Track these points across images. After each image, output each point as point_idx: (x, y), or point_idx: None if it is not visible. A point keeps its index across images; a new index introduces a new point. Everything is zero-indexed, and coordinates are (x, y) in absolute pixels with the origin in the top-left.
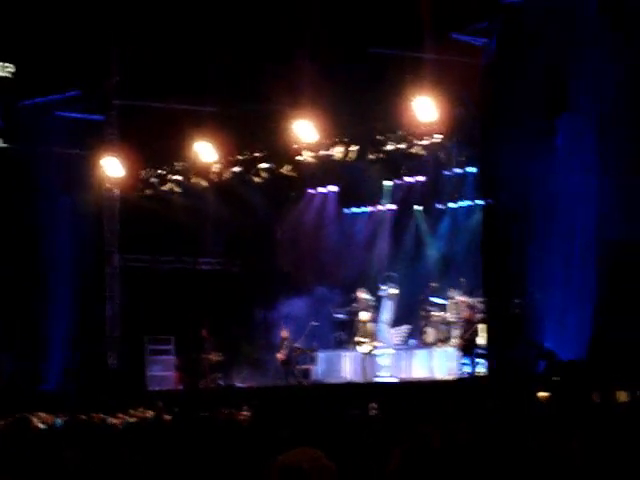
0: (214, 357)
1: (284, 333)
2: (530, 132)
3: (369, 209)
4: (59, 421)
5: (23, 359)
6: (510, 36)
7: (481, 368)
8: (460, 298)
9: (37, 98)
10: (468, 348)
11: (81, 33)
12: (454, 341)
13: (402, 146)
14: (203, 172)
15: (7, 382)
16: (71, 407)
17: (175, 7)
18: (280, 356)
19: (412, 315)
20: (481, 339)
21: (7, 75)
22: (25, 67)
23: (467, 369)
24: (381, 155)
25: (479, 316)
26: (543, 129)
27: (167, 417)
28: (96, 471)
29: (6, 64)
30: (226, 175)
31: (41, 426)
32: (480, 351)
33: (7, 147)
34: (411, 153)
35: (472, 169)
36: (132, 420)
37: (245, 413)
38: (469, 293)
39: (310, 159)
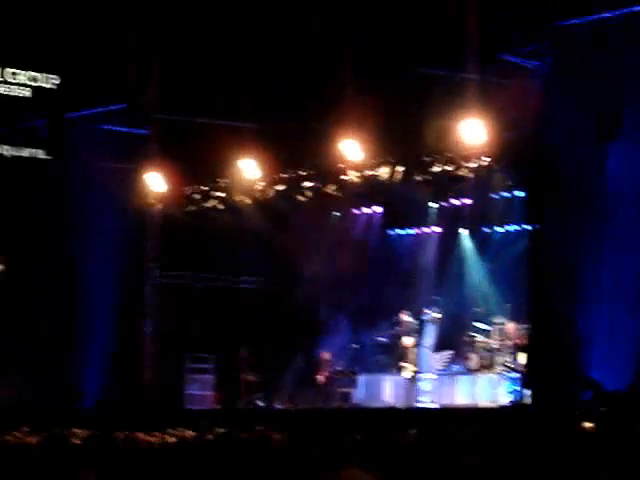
0: (251, 377)
1: (325, 355)
2: (582, 157)
3: (414, 231)
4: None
5: (61, 375)
6: (563, 59)
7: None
8: (508, 325)
9: (82, 110)
10: (523, 376)
11: (125, 46)
12: (498, 368)
13: (449, 168)
14: (247, 189)
15: (45, 398)
16: (108, 424)
17: (219, 23)
18: (321, 378)
19: (455, 340)
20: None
21: (51, 87)
22: (70, 79)
23: (512, 397)
24: (427, 177)
25: (524, 343)
26: (594, 155)
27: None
28: None
29: (51, 76)
30: (270, 193)
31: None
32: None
33: (50, 159)
34: (458, 175)
35: (520, 193)
36: (170, 439)
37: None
38: (514, 319)
39: (355, 179)
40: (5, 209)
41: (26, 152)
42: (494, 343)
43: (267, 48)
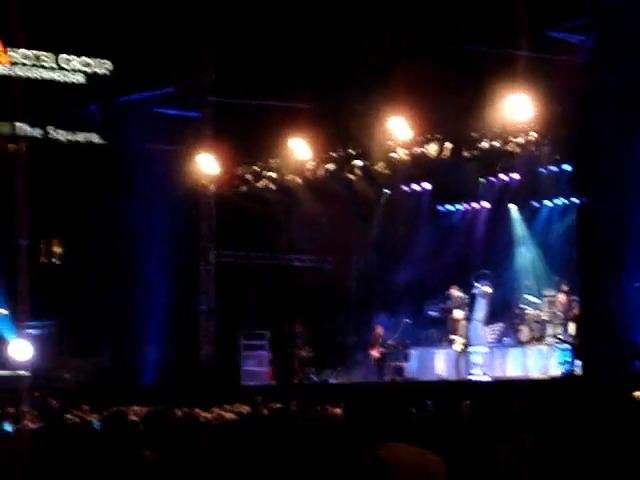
0: (305, 352)
1: (378, 330)
2: (627, 130)
3: (463, 207)
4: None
5: (120, 353)
6: (608, 34)
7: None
8: (559, 296)
9: (134, 95)
10: (574, 347)
11: (177, 30)
12: (548, 339)
13: (497, 144)
14: (297, 169)
15: (104, 376)
16: (166, 401)
17: (269, 4)
18: (374, 353)
19: (506, 313)
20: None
21: (104, 72)
22: (122, 64)
23: (563, 368)
24: (476, 152)
25: (575, 314)
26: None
27: (265, 412)
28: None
29: (103, 61)
30: (320, 172)
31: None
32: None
33: (104, 144)
34: (506, 151)
35: (568, 167)
36: (228, 415)
37: (338, 410)
38: (564, 291)
39: (404, 157)
40: (62, 193)
41: (81, 137)
42: (544, 315)
43: (316, 29)
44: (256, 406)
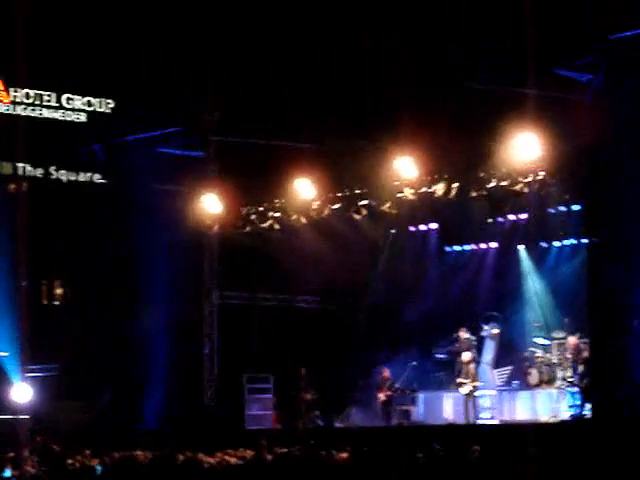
0: (310, 396)
1: (385, 373)
2: (636, 169)
3: (471, 247)
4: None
5: (122, 397)
6: (618, 71)
7: (587, 411)
8: (569, 338)
9: (137, 134)
10: (582, 390)
11: (180, 70)
12: (558, 382)
13: (505, 183)
14: (303, 209)
15: (105, 420)
16: (169, 446)
17: (272, 45)
18: (381, 396)
19: (515, 356)
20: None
21: (107, 111)
22: (125, 103)
23: (572, 411)
24: (483, 192)
25: (584, 357)
26: None
27: (268, 457)
28: None
29: (106, 100)
30: (325, 212)
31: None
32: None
33: (106, 183)
34: (514, 190)
35: (577, 207)
36: (232, 460)
37: (344, 454)
38: (574, 333)
39: (411, 196)
40: (63, 234)
41: (82, 176)
42: (554, 358)
43: (321, 68)
44: (260, 450)
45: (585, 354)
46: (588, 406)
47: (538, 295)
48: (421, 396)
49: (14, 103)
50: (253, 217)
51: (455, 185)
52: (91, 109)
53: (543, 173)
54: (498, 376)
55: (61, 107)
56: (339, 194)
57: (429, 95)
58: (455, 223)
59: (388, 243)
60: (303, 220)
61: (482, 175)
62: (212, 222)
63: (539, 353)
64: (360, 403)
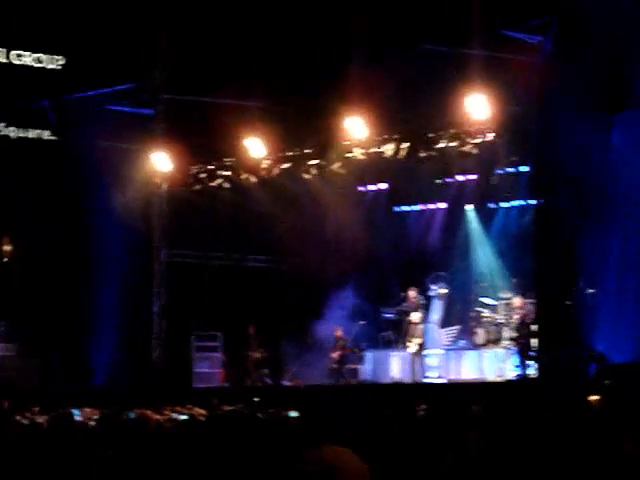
0: (258, 354)
1: (338, 332)
2: (587, 130)
3: (420, 207)
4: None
5: (70, 354)
6: (567, 33)
7: (532, 370)
8: (515, 299)
9: (87, 91)
10: (522, 350)
11: (130, 27)
12: (505, 342)
13: (454, 144)
14: (252, 168)
15: (55, 377)
16: (117, 402)
17: (222, 2)
18: (335, 355)
19: (462, 316)
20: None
21: (57, 67)
22: (75, 60)
23: (518, 371)
24: (433, 153)
25: (532, 317)
26: (600, 127)
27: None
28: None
29: (56, 57)
30: (275, 171)
31: (89, 422)
32: (532, 353)
33: (56, 140)
34: (463, 151)
35: (525, 168)
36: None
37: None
38: (521, 294)
39: (360, 156)
40: (12, 190)
41: (32, 133)
42: (500, 318)
43: (271, 27)
44: (213, 409)
45: (530, 315)
46: (532, 366)
47: (486, 255)
48: (369, 355)
49: None
50: (203, 176)
51: (404, 145)
52: (41, 65)
53: (492, 134)
54: (445, 335)
55: (10, 63)
56: (289, 153)
57: (379, 55)
58: (404, 183)
59: (337, 203)
60: (253, 179)
61: (431, 136)
62: (161, 180)
63: (486, 313)
64: (308, 362)
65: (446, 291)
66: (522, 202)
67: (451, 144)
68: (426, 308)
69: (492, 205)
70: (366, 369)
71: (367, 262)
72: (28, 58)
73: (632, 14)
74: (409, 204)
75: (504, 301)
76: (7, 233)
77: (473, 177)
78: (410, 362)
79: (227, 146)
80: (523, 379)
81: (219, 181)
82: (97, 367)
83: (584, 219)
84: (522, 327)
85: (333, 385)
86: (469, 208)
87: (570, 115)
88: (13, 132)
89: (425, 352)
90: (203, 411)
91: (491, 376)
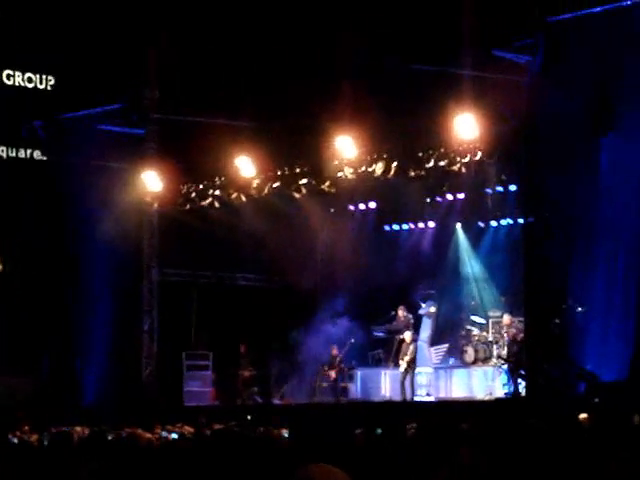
0: (248, 373)
1: (334, 351)
2: (574, 151)
3: (409, 226)
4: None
5: (60, 372)
6: (555, 53)
7: (522, 388)
8: (504, 317)
9: (77, 111)
10: (513, 368)
11: (121, 47)
12: (494, 360)
13: (443, 163)
14: (243, 187)
15: (43, 395)
16: (108, 421)
17: (215, 22)
18: (332, 374)
19: (452, 334)
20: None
21: (48, 87)
22: (66, 80)
23: (507, 389)
24: (422, 172)
25: (522, 335)
26: (588, 148)
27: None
28: None
29: (47, 76)
30: (266, 190)
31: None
32: (522, 371)
33: (46, 160)
34: (452, 170)
35: (514, 187)
36: (172, 435)
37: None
38: (509, 312)
39: (350, 175)
40: (2, 209)
41: (22, 153)
42: (490, 336)
43: (261, 47)
44: (200, 427)
45: (520, 333)
46: (521, 384)
47: (475, 274)
48: (359, 373)
49: None
50: (193, 195)
51: (394, 165)
52: (31, 85)
53: (480, 154)
54: (435, 354)
55: (1, 83)
56: (279, 172)
57: (368, 75)
58: (393, 202)
59: (328, 222)
60: (243, 198)
61: (420, 155)
62: (152, 200)
63: (475, 331)
64: (298, 380)
65: (435, 309)
66: (511, 221)
67: (440, 163)
68: (416, 326)
69: (481, 224)
70: (356, 387)
71: (357, 281)
72: (19, 78)
73: (618, 36)
74: (399, 223)
75: (493, 319)
76: None
77: (462, 196)
78: (400, 380)
79: (217, 165)
80: (512, 397)
81: (209, 200)
82: (87, 386)
83: (572, 238)
84: (513, 345)
85: (323, 403)
86: (458, 227)
87: (557, 135)
88: (3, 152)
89: (415, 371)
90: (192, 429)
91: (480, 394)
